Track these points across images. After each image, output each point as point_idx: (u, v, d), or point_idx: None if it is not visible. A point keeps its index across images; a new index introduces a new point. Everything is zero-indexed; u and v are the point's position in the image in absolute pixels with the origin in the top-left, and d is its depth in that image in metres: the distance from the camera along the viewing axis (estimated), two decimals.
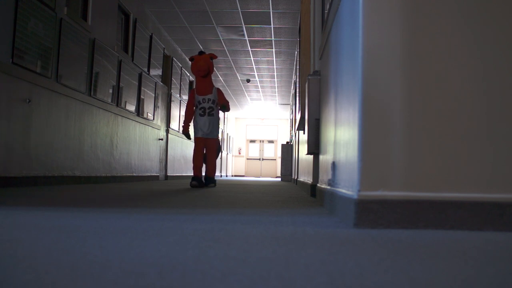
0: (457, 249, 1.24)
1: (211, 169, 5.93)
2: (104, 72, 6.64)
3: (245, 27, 9.19)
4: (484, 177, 1.66)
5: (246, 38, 9.90)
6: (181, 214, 2.12)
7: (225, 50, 10.81)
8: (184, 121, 5.89)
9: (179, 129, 11.20)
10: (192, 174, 5.85)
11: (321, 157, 3.38)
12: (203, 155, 5.84)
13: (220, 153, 6.19)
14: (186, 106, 5.92)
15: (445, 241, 1.38)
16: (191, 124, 5.90)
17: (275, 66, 12.23)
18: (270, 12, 8.32)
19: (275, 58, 11.40)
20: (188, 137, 5.89)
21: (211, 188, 5.55)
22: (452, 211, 1.63)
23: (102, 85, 6.56)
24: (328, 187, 2.61)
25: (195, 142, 5.83)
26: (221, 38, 9.97)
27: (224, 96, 6.00)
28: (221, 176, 18.52)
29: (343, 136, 2.13)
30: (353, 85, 1.85)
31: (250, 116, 22.44)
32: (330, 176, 2.60)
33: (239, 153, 23.04)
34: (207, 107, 5.74)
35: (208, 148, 5.82)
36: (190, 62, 5.64)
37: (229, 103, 6.19)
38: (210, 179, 5.92)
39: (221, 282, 0.82)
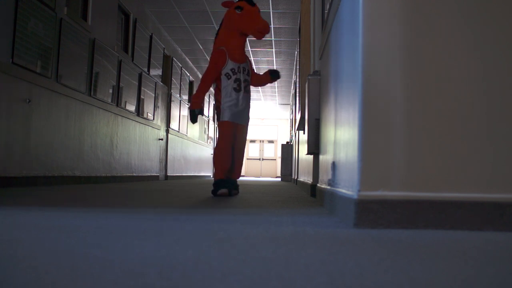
0: (457, 249, 1.24)
1: (240, 169, 4.01)
2: (104, 72, 6.64)
3: None
4: (484, 177, 1.66)
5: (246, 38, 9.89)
6: (181, 214, 2.12)
7: None
8: (200, 91, 3.76)
9: (179, 129, 11.19)
10: (214, 177, 3.82)
11: (321, 157, 3.38)
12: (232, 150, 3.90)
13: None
14: (208, 72, 3.78)
15: (445, 241, 1.38)
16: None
17: (275, 66, 12.22)
18: (270, 12, 8.32)
19: (275, 58, 11.39)
20: (196, 117, 3.80)
21: (208, 188, 5.00)
22: (452, 211, 1.63)
23: (102, 85, 6.56)
24: (328, 187, 2.61)
25: (223, 128, 3.79)
26: None
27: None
28: None
29: (343, 136, 2.13)
30: (353, 85, 1.85)
31: (250, 116, 22.42)
32: (330, 176, 2.60)
33: None
34: (243, 79, 3.84)
35: (239, 138, 3.90)
36: (224, 9, 4.06)
37: None
38: (234, 184, 3.97)
39: (221, 282, 0.82)
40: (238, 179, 3.90)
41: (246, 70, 3.89)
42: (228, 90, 3.79)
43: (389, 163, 1.68)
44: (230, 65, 3.79)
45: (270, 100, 17.79)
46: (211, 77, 3.79)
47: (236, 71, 3.80)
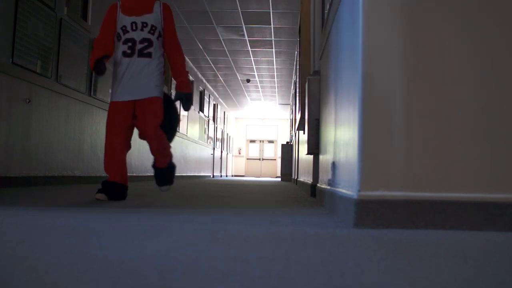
0: (457, 249, 1.24)
1: (161, 152, 2.99)
2: None
3: (245, 27, 9.18)
4: (484, 177, 1.66)
5: (246, 38, 9.89)
6: (181, 214, 2.12)
7: (225, 50, 10.81)
8: (93, 55, 2.91)
9: (179, 129, 11.18)
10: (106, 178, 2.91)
11: (321, 157, 3.38)
12: (128, 138, 2.98)
13: (173, 137, 3.16)
14: (100, 33, 2.93)
15: (445, 241, 1.38)
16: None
17: (275, 66, 12.22)
18: (270, 12, 8.31)
19: (275, 58, 11.39)
20: (101, 71, 2.96)
21: (208, 188, 5.04)
22: (452, 211, 1.63)
23: (102, 85, 6.56)
24: (328, 187, 2.61)
25: (111, 113, 2.92)
26: (221, 38, 9.97)
27: (174, 24, 3.04)
28: (221, 176, 18.49)
29: (343, 136, 2.13)
30: (353, 85, 1.85)
31: (250, 116, 22.42)
32: (330, 176, 2.60)
33: (239, 153, 23.02)
34: (139, 39, 2.86)
35: (145, 114, 2.91)
36: None
37: (188, 73, 3.47)
38: (163, 173, 3.09)
39: (221, 282, 0.82)
40: (166, 167, 3.07)
41: (148, 26, 2.85)
42: (117, 57, 2.90)
43: (389, 163, 1.68)
44: (122, 21, 2.87)
45: (270, 100, 17.79)
46: (100, 39, 2.90)
47: (128, 28, 2.85)
